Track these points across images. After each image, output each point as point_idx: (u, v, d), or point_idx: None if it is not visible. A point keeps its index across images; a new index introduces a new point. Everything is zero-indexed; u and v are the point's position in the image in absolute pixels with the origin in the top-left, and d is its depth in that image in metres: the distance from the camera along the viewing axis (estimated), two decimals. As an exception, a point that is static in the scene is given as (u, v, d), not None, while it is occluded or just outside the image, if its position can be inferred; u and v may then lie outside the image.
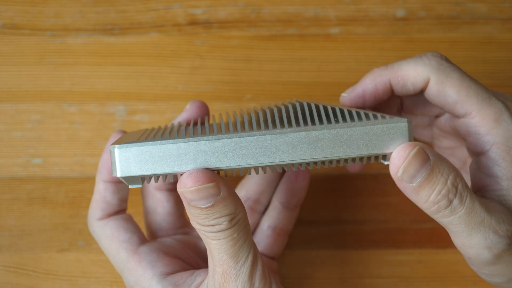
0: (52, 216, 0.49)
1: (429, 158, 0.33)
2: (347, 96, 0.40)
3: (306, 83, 0.51)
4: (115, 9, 0.51)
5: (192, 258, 0.42)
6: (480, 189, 0.38)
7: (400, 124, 0.34)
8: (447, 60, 0.38)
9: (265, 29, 0.51)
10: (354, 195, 0.50)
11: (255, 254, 0.35)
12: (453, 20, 0.51)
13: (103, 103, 0.50)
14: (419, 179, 0.33)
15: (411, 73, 0.38)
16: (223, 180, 0.34)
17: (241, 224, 0.34)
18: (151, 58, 0.51)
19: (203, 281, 0.37)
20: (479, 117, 0.36)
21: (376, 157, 0.35)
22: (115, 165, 0.34)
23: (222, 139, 0.33)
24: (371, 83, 0.39)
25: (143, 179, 0.34)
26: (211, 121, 0.43)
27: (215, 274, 0.35)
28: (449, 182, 0.34)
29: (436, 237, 0.49)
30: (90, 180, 0.49)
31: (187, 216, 0.46)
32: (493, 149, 0.36)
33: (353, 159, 0.34)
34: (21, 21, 0.51)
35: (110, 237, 0.40)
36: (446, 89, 0.37)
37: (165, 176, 0.34)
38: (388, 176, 0.50)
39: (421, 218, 0.49)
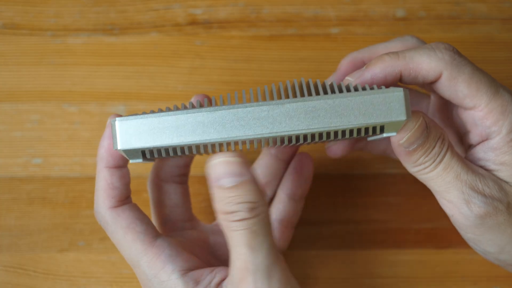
0: (52, 216, 0.49)
1: (427, 126, 0.36)
2: (354, 81, 0.39)
3: (306, 83, 0.51)
4: (115, 9, 0.51)
5: (203, 254, 0.42)
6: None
7: (396, 93, 0.34)
8: (459, 53, 0.38)
9: (265, 29, 0.51)
10: (354, 195, 0.50)
11: (275, 253, 0.35)
12: (453, 20, 0.51)
13: (103, 103, 0.50)
14: (415, 145, 0.36)
15: (424, 67, 0.38)
16: (249, 166, 0.34)
17: (262, 219, 0.34)
18: (151, 58, 0.51)
19: (224, 278, 0.37)
20: (486, 110, 0.37)
21: (374, 128, 0.35)
22: (116, 138, 0.34)
23: (220, 110, 0.34)
24: (382, 72, 0.38)
25: (144, 152, 0.35)
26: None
27: (234, 269, 0.35)
28: (437, 145, 0.37)
29: (436, 237, 0.49)
30: (90, 180, 0.49)
31: (194, 211, 0.47)
32: (496, 139, 0.38)
33: (351, 131, 0.35)
34: (21, 21, 0.51)
35: (125, 228, 0.38)
36: (458, 84, 0.37)
37: (165, 149, 0.35)
38: (388, 176, 0.50)
39: (421, 218, 0.49)
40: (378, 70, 0.38)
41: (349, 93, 0.34)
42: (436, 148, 0.37)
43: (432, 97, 0.44)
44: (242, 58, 0.51)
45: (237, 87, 0.50)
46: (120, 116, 0.35)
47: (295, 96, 0.35)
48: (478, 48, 0.51)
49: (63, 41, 0.51)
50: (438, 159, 0.37)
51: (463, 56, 0.38)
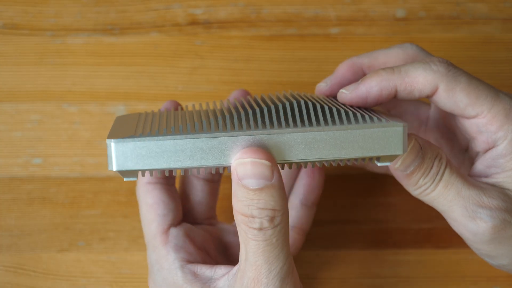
0: (52, 216, 0.49)
1: (421, 148, 0.36)
2: (348, 94, 0.39)
3: (306, 83, 0.51)
4: (115, 9, 0.51)
5: (213, 252, 0.42)
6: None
7: (396, 128, 0.34)
8: (453, 65, 0.38)
9: (265, 29, 0.51)
10: (354, 195, 0.50)
11: (290, 265, 0.35)
12: (453, 20, 0.51)
13: (103, 103, 0.50)
14: (412, 168, 0.36)
15: (420, 80, 0.37)
16: (278, 169, 0.34)
17: (281, 230, 0.34)
18: (151, 58, 0.51)
19: (223, 276, 0.37)
20: (490, 116, 0.37)
21: (370, 158, 0.35)
22: (111, 159, 0.34)
23: (220, 137, 0.33)
24: (377, 86, 0.38)
25: (139, 173, 0.34)
26: (204, 107, 0.43)
27: (245, 278, 0.35)
28: (435, 165, 0.37)
29: (436, 237, 0.49)
30: (90, 180, 0.49)
31: (217, 209, 0.46)
32: (503, 144, 0.37)
33: (348, 160, 0.35)
34: (21, 21, 0.51)
35: (149, 206, 0.40)
36: (456, 95, 0.37)
37: (162, 171, 0.34)
38: (388, 176, 0.50)
39: (421, 218, 0.49)
40: (373, 83, 0.38)
41: (349, 125, 0.34)
42: (434, 168, 0.36)
43: (433, 106, 0.44)
44: (242, 58, 0.51)
45: (237, 87, 0.50)
46: (117, 138, 0.34)
47: (295, 122, 0.35)
48: (478, 48, 0.51)
49: (63, 41, 0.51)
50: (438, 178, 0.37)
51: (458, 67, 0.38)
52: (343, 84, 0.41)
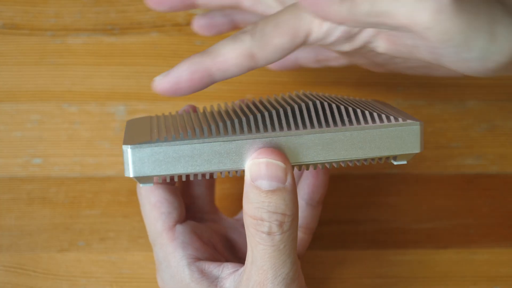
0: (52, 216, 0.49)
1: None
2: (158, 81, 0.35)
3: (306, 83, 0.51)
4: (115, 9, 0.51)
5: (220, 248, 0.42)
6: None
7: (413, 127, 0.34)
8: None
9: (265, 29, 0.51)
10: (354, 195, 0.50)
11: (296, 271, 0.35)
12: (453, 20, 0.51)
13: (103, 103, 0.50)
14: None
15: (230, 55, 0.35)
16: (292, 172, 0.33)
17: (290, 235, 0.34)
18: (151, 58, 0.51)
19: (229, 275, 0.37)
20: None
21: (387, 158, 0.35)
22: (128, 165, 0.34)
23: (237, 140, 0.33)
24: (187, 70, 0.35)
25: (156, 178, 0.34)
26: (216, 108, 0.42)
27: (250, 281, 0.35)
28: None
29: (436, 237, 0.49)
30: (90, 180, 0.49)
31: (217, 204, 0.46)
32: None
33: (365, 160, 0.35)
34: (21, 21, 0.51)
35: (152, 205, 0.39)
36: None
37: (179, 176, 0.34)
38: (388, 176, 0.50)
39: (421, 218, 0.49)
40: (184, 67, 0.35)
41: (366, 125, 0.34)
42: None
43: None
44: (242, 58, 0.51)
45: (237, 87, 0.50)
46: (134, 144, 0.33)
47: (312, 124, 0.35)
48: (478, 48, 0.51)
49: (63, 41, 0.51)
50: None
51: None
52: (179, 84, 0.36)
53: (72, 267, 0.49)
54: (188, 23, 0.51)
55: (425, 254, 0.49)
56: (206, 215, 0.44)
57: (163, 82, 0.35)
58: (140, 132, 0.36)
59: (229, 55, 0.35)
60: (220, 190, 0.48)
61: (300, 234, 0.43)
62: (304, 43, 0.34)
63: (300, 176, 0.44)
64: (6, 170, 0.49)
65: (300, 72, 0.51)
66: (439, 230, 0.49)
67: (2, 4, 0.51)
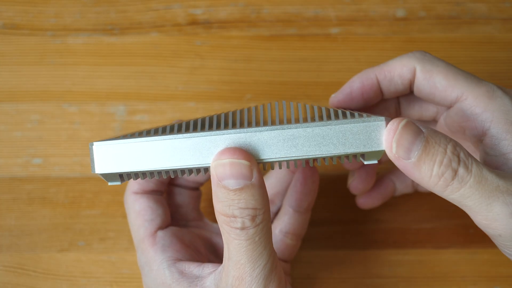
0: (52, 216, 0.49)
1: (421, 130, 0.32)
2: (335, 96, 0.40)
3: (306, 83, 0.51)
4: (115, 9, 0.51)
5: (205, 251, 0.42)
6: None
7: (377, 122, 0.33)
8: (431, 54, 0.38)
9: (265, 29, 0.51)
10: (354, 195, 0.50)
11: (274, 262, 0.35)
12: (453, 20, 0.51)
13: (103, 103, 0.50)
14: (416, 152, 0.32)
15: (397, 65, 0.38)
16: (258, 168, 0.33)
17: (263, 228, 0.34)
18: (151, 58, 0.51)
19: (209, 274, 0.37)
20: (471, 97, 0.36)
21: (355, 156, 0.34)
22: (93, 162, 0.34)
23: (196, 137, 0.33)
24: (357, 80, 0.39)
25: (122, 176, 0.35)
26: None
27: (229, 276, 0.35)
28: (448, 151, 0.32)
29: (436, 237, 0.49)
30: (90, 180, 0.49)
31: (202, 210, 0.47)
32: (493, 126, 0.35)
33: (331, 158, 0.34)
34: (21, 21, 0.51)
35: (137, 213, 0.41)
36: (434, 76, 0.37)
37: (143, 173, 0.34)
38: (388, 176, 0.50)
39: (421, 218, 0.49)
40: (355, 78, 0.39)
41: (328, 121, 0.33)
42: (449, 154, 0.32)
43: (439, 121, 0.42)
44: (242, 58, 0.51)
45: (237, 87, 0.50)
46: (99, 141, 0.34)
47: (274, 122, 0.34)
48: (478, 48, 0.51)
49: (63, 41, 0.51)
50: (462, 169, 0.32)
51: (435, 56, 0.38)
52: (352, 93, 0.41)
53: (72, 267, 0.49)
54: (188, 23, 0.51)
55: (425, 254, 0.49)
56: (190, 222, 0.45)
57: (337, 95, 0.40)
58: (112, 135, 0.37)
59: (395, 64, 0.39)
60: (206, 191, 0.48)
61: (288, 241, 0.43)
62: None
63: (289, 182, 0.44)
64: (6, 170, 0.49)
65: (300, 72, 0.51)
66: (439, 230, 0.49)
67: (2, 4, 0.51)
